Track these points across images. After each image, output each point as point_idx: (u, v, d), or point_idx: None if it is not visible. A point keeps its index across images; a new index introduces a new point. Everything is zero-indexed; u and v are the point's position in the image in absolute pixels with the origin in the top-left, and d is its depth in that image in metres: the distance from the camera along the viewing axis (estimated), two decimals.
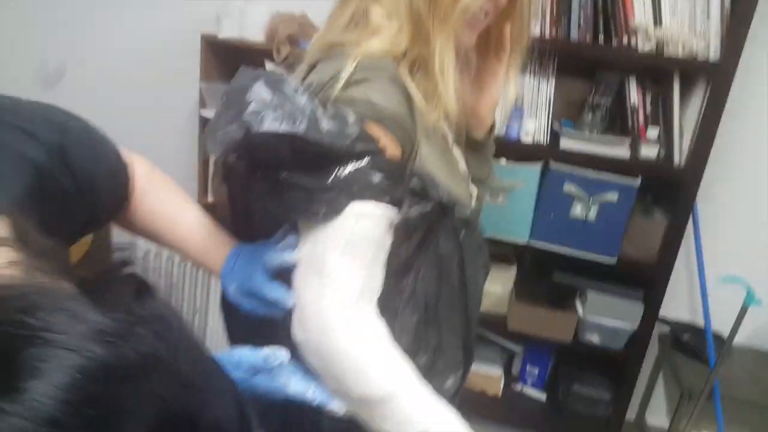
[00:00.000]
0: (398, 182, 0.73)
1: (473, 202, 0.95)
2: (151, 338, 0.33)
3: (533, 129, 1.86)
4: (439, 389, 0.81)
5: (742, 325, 1.75)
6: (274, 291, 0.74)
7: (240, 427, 0.37)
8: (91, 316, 0.32)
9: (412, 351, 0.79)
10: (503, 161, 1.90)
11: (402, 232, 0.76)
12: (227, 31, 2.02)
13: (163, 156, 0.84)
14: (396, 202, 0.73)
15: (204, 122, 2.13)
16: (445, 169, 0.84)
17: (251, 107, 0.66)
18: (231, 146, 0.67)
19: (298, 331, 0.73)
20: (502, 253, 2.16)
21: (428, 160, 0.80)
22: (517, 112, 1.85)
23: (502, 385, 2.23)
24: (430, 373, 0.81)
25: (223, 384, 0.38)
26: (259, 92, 0.67)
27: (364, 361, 0.70)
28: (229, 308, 0.95)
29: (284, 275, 0.76)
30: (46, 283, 0.37)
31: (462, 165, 0.91)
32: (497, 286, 2.10)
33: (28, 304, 0.31)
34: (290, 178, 0.69)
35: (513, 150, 1.90)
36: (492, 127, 0.94)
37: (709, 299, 1.99)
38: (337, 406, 0.73)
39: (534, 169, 1.88)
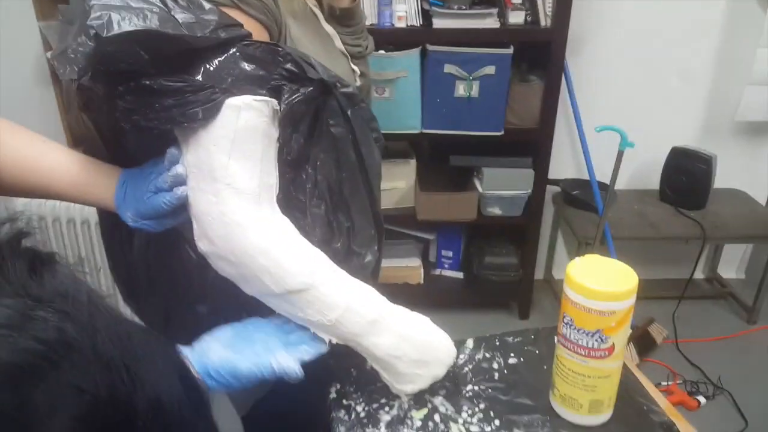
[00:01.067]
0: (272, 68, 0.71)
1: (357, 80, 0.95)
2: (55, 321, 0.30)
3: (405, 13, 1.87)
4: (359, 266, 0.85)
5: (622, 171, 1.95)
6: (162, 201, 0.71)
7: (190, 399, 0.36)
8: None
9: (326, 239, 0.81)
10: (382, 52, 1.92)
11: (289, 122, 0.75)
12: None
13: (19, 114, 0.76)
14: (275, 90, 0.72)
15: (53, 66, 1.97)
16: (321, 48, 0.83)
17: (94, 12, 0.61)
18: (84, 62, 0.63)
19: (202, 243, 0.72)
20: (399, 147, 2.23)
21: (300, 41, 0.78)
22: None
23: (422, 274, 2.37)
24: (348, 253, 0.84)
25: (158, 356, 0.36)
26: None
27: (277, 257, 0.71)
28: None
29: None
30: None
31: (337, 42, 0.90)
32: (401, 182, 2.19)
33: None
34: (156, 83, 0.65)
35: (389, 38, 1.92)
36: None
37: (591, 152, 2.19)
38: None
39: (413, 56, 1.92)
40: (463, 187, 2.22)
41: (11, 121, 0.75)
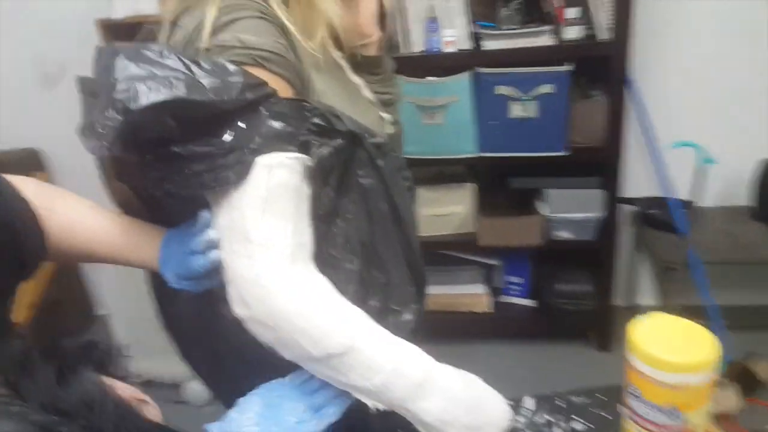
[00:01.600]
0: (300, 124, 0.71)
1: (389, 128, 0.93)
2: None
3: (453, 37, 1.84)
4: (396, 325, 0.81)
5: (706, 188, 1.79)
6: (196, 264, 0.72)
7: None
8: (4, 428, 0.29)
9: (360, 297, 0.79)
10: (430, 78, 1.88)
11: (318, 176, 0.74)
12: (121, 11, 1.93)
13: (69, 177, 0.78)
14: (303, 145, 0.72)
15: None
16: (347, 99, 0.82)
17: (120, 86, 0.63)
18: (113, 134, 0.63)
19: (239, 308, 0.71)
20: (455, 172, 2.17)
21: (325, 94, 0.78)
22: (432, 23, 1.82)
23: (488, 301, 2.30)
24: (385, 312, 0.82)
25: None
26: (124, 67, 0.64)
27: (315, 320, 0.70)
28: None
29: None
30: None
31: (365, 92, 0.89)
32: (458, 206, 2.14)
33: None
34: (185, 150, 0.66)
35: (438, 64, 1.89)
36: (381, 42, 0.91)
37: (667, 168, 2.03)
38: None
39: (462, 80, 1.89)
40: (526, 210, 2.14)
41: (61, 186, 0.78)
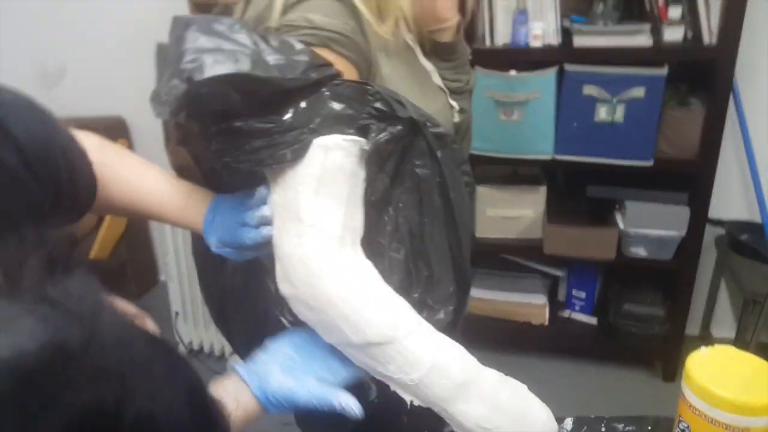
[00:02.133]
0: (361, 107, 0.71)
1: (456, 116, 0.92)
2: (60, 321, 0.31)
3: (542, 31, 1.76)
4: (431, 323, 0.79)
5: None
6: (247, 236, 0.74)
7: (195, 419, 0.36)
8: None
9: (404, 288, 0.78)
10: (512, 73, 1.80)
11: (374, 162, 0.74)
12: None
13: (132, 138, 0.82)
14: (362, 129, 0.71)
15: None
16: (415, 84, 0.81)
17: (187, 56, 0.64)
18: (176, 103, 0.65)
19: (284, 286, 0.72)
20: (528, 173, 2.09)
21: (391, 78, 0.77)
22: (521, 15, 1.76)
23: (548, 314, 2.22)
24: (421, 306, 0.80)
25: (164, 370, 0.36)
26: (194, 39, 0.66)
27: (358, 306, 0.70)
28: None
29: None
30: None
31: (435, 78, 0.88)
32: (528, 210, 2.07)
33: None
34: (246, 125, 0.68)
35: (523, 58, 1.82)
36: (458, 27, 0.89)
37: (764, 191, 1.86)
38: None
39: (548, 76, 1.81)
40: (601, 222, 2.04)
41: (138, 153, 0.83)
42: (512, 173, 2.10)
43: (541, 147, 1.88)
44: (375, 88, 0.72)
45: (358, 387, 0.79)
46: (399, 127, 0.73)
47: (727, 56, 1.65)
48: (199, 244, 0.95)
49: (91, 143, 0.72)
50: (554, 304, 2.27)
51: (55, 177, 0.60)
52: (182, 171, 0.88)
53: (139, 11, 2.30)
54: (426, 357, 0.70)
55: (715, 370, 0.58)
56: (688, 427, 0.60)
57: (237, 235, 0.75)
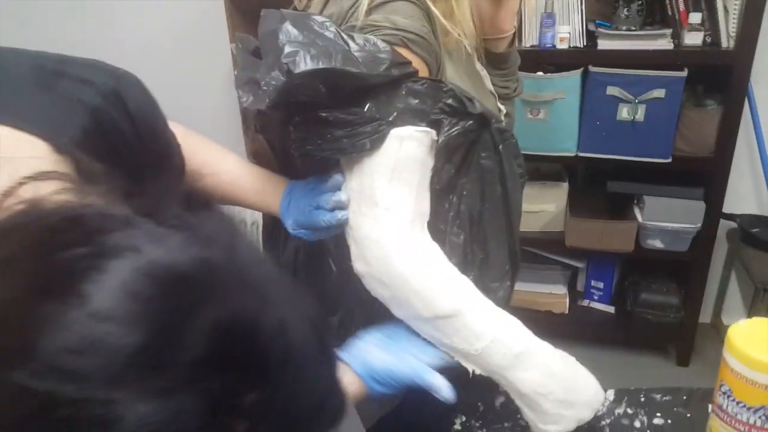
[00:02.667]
0: (435, 103, 0.77)
1: (502, 119, 0.98)
2: (203, 241, 0.35)
3: (568, 34, 1.86)
4: (491, 301, 0.87)
5: None
6: (322, 218, 0.80)
7: (317, 338, 0.38)
8: (141, 224, 0.35)
9: (460, 270, 0.84)
10: (540, 74, 1.90)
11: (443, 154, 0.80)
12: None
13: (207, 126, 0.88)
14: (434, 123, 0.78)
15: None
16: (471, 86, 0.88)
17: (286, 50, 0.69)
18: (275, 94, 0.70)
19: (359, 265, 0.78)
20: (552, 169, 2.18)
21: (453, 80, 0.84)
22: (548, 18, 1.85)
23: (568, 303, 2.31)
24: (479, 287, 0.86)
25: (291, 292, 0.39)
26: (290, 33, 0.71)
27: (428, 282, 0.76)
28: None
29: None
30: (99, 204, 0.41)
31: (487, 82, 0.95)
32: (550, 205, 2.16)
33: (81, 221, 0.35)
34: (331, 115, 0.74)
35: (550, 59, 1.92)
36: (513, 38, 0.96)
37: None
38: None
39: (573, 77, 1.90)
40: (620, 215, 2.13)
41: (199, 131, 0.88)
42: (534, 170, 2.20)
43: (566, 145, 1.97)
44: (449, 86, 0.78)
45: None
46: (469, 122, 0.79)
47: (744, 61, 1.73)
48: (267, 225, 1.00)
49: (177, 130, 0.76)
50: (574, 294, 2.37)
51: (158, 150, 0.64)
52: (258, 157, 0.94)
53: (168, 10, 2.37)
54: (488, 329, 0.76)
55: (754, 338, 0.67)
56: (730, 390, 0.70)
57: (312, 218, 0.80)
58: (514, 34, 0.95)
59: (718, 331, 2.36)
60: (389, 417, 1.03)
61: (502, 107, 0.98)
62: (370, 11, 0.76)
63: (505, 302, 0.90)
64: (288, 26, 0.71)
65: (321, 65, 0.69)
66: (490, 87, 0.95)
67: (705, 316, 2.32)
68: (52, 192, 0.41)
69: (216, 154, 0.87)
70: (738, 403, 0.68)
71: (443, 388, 0.76)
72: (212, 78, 2.41)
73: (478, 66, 0.93)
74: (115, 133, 0.57)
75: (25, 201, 0.39)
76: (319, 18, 0.74)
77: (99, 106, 0.55)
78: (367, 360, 0.77)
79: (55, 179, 0.44)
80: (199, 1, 2.31)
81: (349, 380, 0.76)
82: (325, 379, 0.39)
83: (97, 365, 0.29)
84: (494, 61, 0.95)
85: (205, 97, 2.41)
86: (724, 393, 0.70)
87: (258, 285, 0.36)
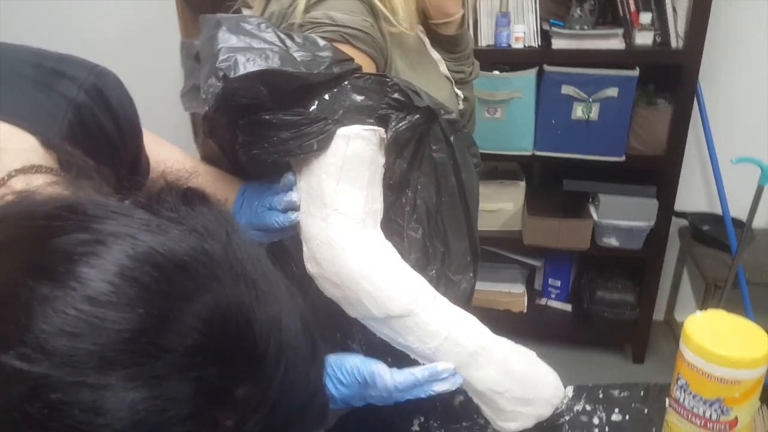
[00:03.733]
0: (381, 98, 0.76)
1: (460, 104, 0.97)
2: (200, 233, 0.35)
3: (523, 34, 1.86)
4: (454, 294, 0.86)
5: (762, 209, 1.77)
6: (274, 219, 0.79)
7: (307, 338, 0.38)
8: (138, 214, 0.35)
9: (421, 265, 0.84)
10: (496, 73, 1.90)
11: (393, 149, 0.79)
12: None
13: (157, 130, 0.86)
14: (382, 119, 0.76)
15: None
16: (424, 74, 0.86)
17: (221, 55, 0.69)
18: (214, 100, 0.70)
19: (310, 265, 0.78)
20: (509, 168, 2.19)
21: (404, 71, 0.82)
22: (503, 18, 1.85)
23: (526, 302, 2.32)
24: (442, 280, 0.86)
25: (285, 291, 0.39)
26: (226, 39, 0.70)
27: (380, 283, 0.75)
28: None
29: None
30: (93, 195, 0.40)
31: (442, 67, 0.93)
32: (508, 203, 2.16)
33: (77, 209, 0.34)
34: (274, 117, 0.72)
35: (505, 58, 1.91)
36: (462, 20, 0.95)
37: (724, 185, 2.02)
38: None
39: (529, 77, 1.91)
40: (576, 213, 2.15)
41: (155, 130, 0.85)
42: (492, 169, 2.20)
43: (522, 143, 1.98)
44: (393, 80, 0.76)
45: None
46: (417, 116, 0.78)
47: (692, 60, 1.77)
48: None
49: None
50: (532, 293, 2.37)
51: (135, 148, 0.65)
52: (210, 161, 0.92)
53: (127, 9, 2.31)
54: (442, 328, 0.75)
55: (709, 331, 0.67)
56: (686, 383, 0.69)
57: (264, 219, 0.79)
58: (463, 16, 0.94)
59: (671, 328, 2.41)
60: (351, 416, 1.00)
61: (459, 92, 0.97)
62: (308, 8, 0.75)
63: (468, 294, 0.90)
64: (224, 32, 0.71)
65: (257, 68, 0.68)
66: (446, 72, 0.94)
67: (659, 314, 2.37)
68: (43, 184, 0.40)
69: (174, 154, 0.85)
70: (694, 396, 0.68)
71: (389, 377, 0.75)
72: (162, 81, 2.33)
73: (432, 52, 0.92)
74: (99, 130, 0.56)
75: (17, 192, 0.38)
76: (255, 20, 0.73)
77: (82, 102, 0.54)
78: (332, 359, 0.76)
79: (46, 173, 0.44)
80: (150, 2, 2.24)
81: None
82: (313, 380, 0.39)
83: (91, 349, 0.29)
84: (446, 44, 0.94)
85: (155, 100, 2.33)
86: (681, 386, 0.69)
87: (254, 279, 0.36)
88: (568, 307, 2.35)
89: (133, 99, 0.63)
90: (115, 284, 0.31)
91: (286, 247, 0.89)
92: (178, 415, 0.30)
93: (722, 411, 0.66)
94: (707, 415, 0.67)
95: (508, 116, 1.94)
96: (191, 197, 0.39)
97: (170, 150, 0.85)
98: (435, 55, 0.92)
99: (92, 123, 0.55)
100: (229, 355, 0.32)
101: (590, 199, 2.13)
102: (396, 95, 0.77)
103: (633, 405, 0.88)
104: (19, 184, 0.41)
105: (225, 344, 0.32)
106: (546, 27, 1.89)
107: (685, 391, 0.69)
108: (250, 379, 0.33)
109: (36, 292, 0.30)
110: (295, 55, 0.71)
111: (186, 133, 2.18)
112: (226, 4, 0.91)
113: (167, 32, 2.16)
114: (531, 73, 1.90)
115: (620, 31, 1.81)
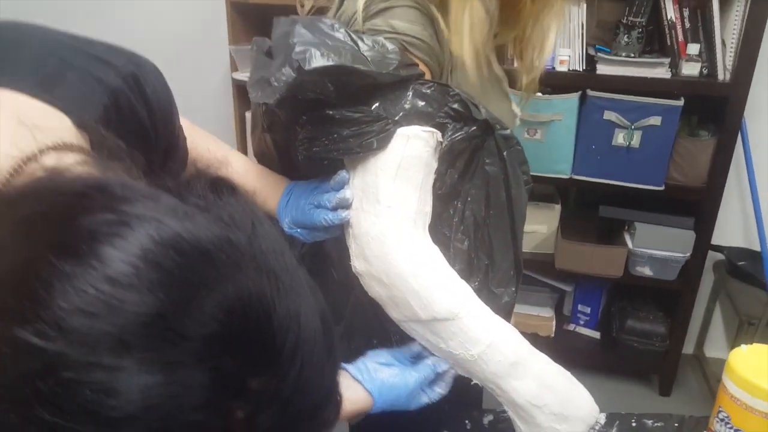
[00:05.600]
0: (440, 106, 0.78)
1: (517, 121, 0.99)
2: (225, 222, 0.35)
3: (568, 57, 1.88)
4: (495, 307, 0.86)
5: None
6: (323, 217, 0.79)
7: (325, 338, 0.38)
8: (165, 199, 0.35)
9: (465, 276, 0.83)
10: (539, 94, 1.92)
11: (446, 159, 0.80)
12: None
13: (203, 124, 0.89)
14: (439, 127, 0.78)
15: (237, 85, 2.21)
16: (485, 89, 0.88)
17: (297, 48, 0.71)
18: (285, 89, 0.71)
19: (358, 263, 0.78)
20: (545, 191, 2.19)
21: (465, 81, 0.84)
22: None
23: (554, 326, 2.30)
24: (484, 293, 0.87)
25: (306, 287, 0.39)
26: (301, 33, 0.73)
27: (427, 283, 0.75)
28: None
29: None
30: (122, 177, 0.41)
31: (504, 85, 0.95)
32: (542, 226, 2.16)
33: (105, 189, 0.35)
34: (338, 113, 0.74)
35: (549, 80, 1.91)
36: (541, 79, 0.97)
37: (764, 221, 1.99)
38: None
39: (571, 100, 1.91)
40: (611, 240, 2.13)
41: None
42: (530, 191, 2.20)
43: (560, 167, 1.98)
44: (455, 90, 0.78)
45: None
46: (473, 128, 0.79)
47: (739, 94, 1.76)
48: None
49: (184, 122, 0.76)
50: (560, 317, 2.35)
51: (169, 140, 0.65)
52: (263, 158, 0.95)
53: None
54: (485, 335, 0.75)
55: (755, 365, 0.65)
56: (728, 417, 0.68)
57: (312, 217, 0.80)
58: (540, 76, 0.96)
59: (700, 363, 2.36)
60: (374, 422, 1.01)
61: (517, 110, 0.98)
62: (369, 17, 0.77)
63: (510, 308, 0.89)
64: (299, 28, 0.73)
65: (330, 62, 0.70)
66: (507, 90, 0.96)
67: (688, 347, 2.33)
68: (74, 163, 0.41)
69: (223, 150, 0.88)
70: (736, 430, 0.67)
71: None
72: (210, 80, 2.41)
73: (497, 68, 0.93)
74: (132, 116, 0.56)
75: (48, 168, 0.39)
76: (329, 20, 0.75)
77: (119, 88, 0.55)
78: (377, 378, 0.77)
79: (77, 152, 0.44)
80: (200, 3, 2.32)
81: (359, 396, 0.75)
82: (327, 381, 0.38)
83: (108, 329, 0.29)
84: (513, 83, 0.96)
85: (202, 99, 2.41)
86: (722, 419, 0.69)
87: (276, 273, 0.35)
88: (596, 335, 2.32)
89: (177, 98, 0.65)
90: (137, 267, 0.30)
91: (327, 253, 0.90)
92: (191, 403, 0.30)
93: None
94: None
95: (548, 138, 1.95)
96: (219, 186, 0.39)
97: (205, 139, 0.86)
98: (499, 72, 0.93)
99: (127, 110, 0.56)
100: (247, 347, 0.32)
101: (626, 227, 2.11)
102: (456, 105, 0.78)
103: None
104: (50, 160, 0.41)
105: (243, 335, 0.32)
106: (592, 52, 1.91)
107: (726, 425, 0.68)
108: (266, 372, 0.33)
109: (57, 269, 0.30)
110: (366, 54, 0.72)
111: (229, 134, 2.24)
112: (273, 12, 0.94)
113: (216, 35, 2.24)
114: (574, 97, 1.91)
115: (667, 60, 1.81)
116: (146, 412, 0.29)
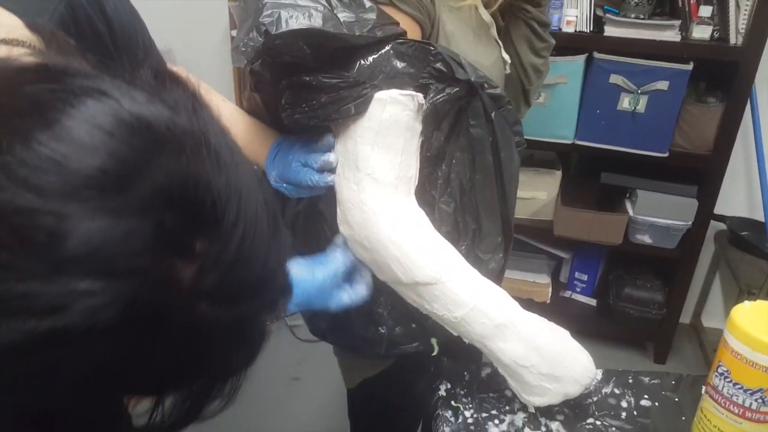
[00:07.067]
0: (422, 66, 0.74)
1: (507, 68, 0.95)
2: (169, 104, 0.36)
3: (575, 18, 1.81)
4: (482, 273, 0.85)
5: None
6: (309, 177, 0.79)
7: (267, 213, 0.39)
8: (110, 79, 0.36)
9: (452, 239, 0.83)
10: None
11: (431, 120, 0.78)
12: None
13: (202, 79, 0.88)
14: (422, 88, 0.75)
15: None
16: (473, 39, 0.85)
17: (266, 10, 0.69)
18: (253, 54, 0.70)
19: (343, 228, 0.79)
20: (546, 157, 2.16)
21: (454, 35, 0.81)
22: (557, 0, 1.80)
23: (550, 293, 2.29)
24: (471, 257, 0.85)
25: (252, 175, 0.40)
26: None
27: (409, 249, 0.75)
28: None
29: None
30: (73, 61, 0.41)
31: (492, 31, 0.92)
32: (542, 193, 2.12)
33: (51, 67, 0.36)
34: (314, 80, 0.71)
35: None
36: None
37: None
38: None
39: (577, 62, 1.85)
40: (611, 208, 2.10)
41: None
42: (529, 156, 2.17)
43: (563, 131, 1.93)
44: (437, 49, 0.75)
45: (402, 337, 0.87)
46: (456, 89, 0.76)
47: (751, 59, 1.69)
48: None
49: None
50: (557, 284, 2.34)
51: (133, 58, 0.64)
52: (253, 116, 0.91)
53: None
54: (469, 298, 0.75)
55: (757, 321, 0.66)
56: (728, 371, 0.67)
57: (298, 175, 0.79)
58: None
59: (697, 332, 2.36)
60: (374, 380, 1.01)
61: (506, 57, 0.95)
62: None
63: (497, 274, 0.88)
64: None
65: (298, 26, 0.67)
66: (495, 35, 0.93)
67: (685, 317, 2.32)
68: (24, 54, 0.40)
69: (215, 98, 0.86)
70: (735, 384, 0.66)
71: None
72: (209, 38, 2.35)
73: (484, 14, 0.90)
74: (91, 30, 0.57)
75: None
76: None
77: (76, 0, 0.55)
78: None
79: (28, 48, 0.45)
80: None
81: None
82: (273, 259, 0.39)
83: (55, 181, 0.30)
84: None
85: (201, 56, 2.35)
86: (721, 374, 0.68)
87: (217, 150, 0.36)
88: (592, 302, 2.32)
89: (177, 55, 0.63)
90: (83, 129, 0.32)
91: (320, 211, 0.89)
92: (134, 249, 0.32)
93: (763, 401, 0.65)
94: (747, 404, 0.65)
95: (552, 102, 1.90)
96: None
97: (214, 96, 0.86)
98: (487, 18, 0.91)
99: (85, 23, 0.56)
100: (188, 206, 0.33)
101: (627, 194, 2.07)
102: (438, 65, 0.75)
103: (663, 393, 0.86)
104: (1, 52, 0.43)
105: (184, 194, 0.33)
106: (599, 13, 1.84)
107: (725, 379, 0.67)
108: (208, 234, 0.34)
109: (3, 128, 0.31)
110: (339, 15, 0.70)
111: (228, 92, 2.20)
112: None
113: None
114: (579, 59, 1.84)
115: (677, 22, 1.74)
116: (91, 254, 0.31)
